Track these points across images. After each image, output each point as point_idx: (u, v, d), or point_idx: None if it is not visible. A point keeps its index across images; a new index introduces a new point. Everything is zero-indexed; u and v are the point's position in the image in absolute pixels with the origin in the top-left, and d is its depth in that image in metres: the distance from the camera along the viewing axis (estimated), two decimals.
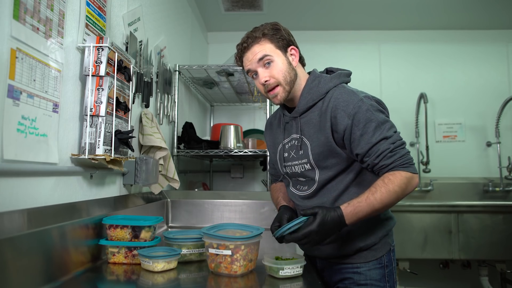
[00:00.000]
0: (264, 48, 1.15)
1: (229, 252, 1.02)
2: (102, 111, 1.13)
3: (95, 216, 1.18)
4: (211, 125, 3.34)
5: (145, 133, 1.63)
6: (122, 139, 1.23)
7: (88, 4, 1.19)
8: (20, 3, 0.86)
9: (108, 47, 1.14)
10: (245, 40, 1.17)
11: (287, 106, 1.26)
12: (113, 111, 1.19)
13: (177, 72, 2.25)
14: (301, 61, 1.25)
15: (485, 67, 3.32)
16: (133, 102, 1.51)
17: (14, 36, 0.84)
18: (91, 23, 1.21)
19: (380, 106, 1.13)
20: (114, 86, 1.19)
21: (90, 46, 1.14)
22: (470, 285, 2.92)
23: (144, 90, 1.70)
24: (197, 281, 1.05)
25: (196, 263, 1.21)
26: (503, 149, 3.15)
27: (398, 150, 1.07)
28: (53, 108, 1.00)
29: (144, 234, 1.17)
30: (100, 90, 1.14)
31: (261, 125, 3.30)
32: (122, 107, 1.26)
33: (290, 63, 1.17)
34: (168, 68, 2.12)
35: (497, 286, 2.74)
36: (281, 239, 1.10)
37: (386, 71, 3.39)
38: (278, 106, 1.32)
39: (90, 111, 1.12)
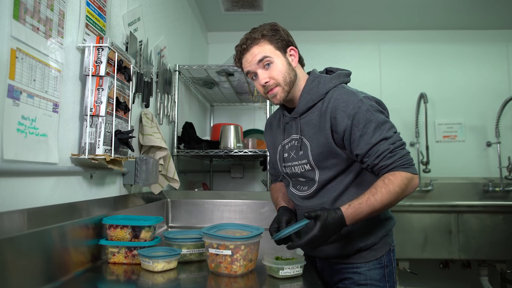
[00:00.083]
0: (264, 49, 1.14)
1: (229, 252, 1.02)
2: (102, 111, 1.13)
3: (95, 216, 1.18)
4: (211, 125, 3.34)
5: (145, 133, 1.63)
6: (122, 139, 1.23)
7: (88, 4, 1.19)
8: (20, 3, 0.86)
9: (108, 47, 1.14)
10: (244, 42, 1.17)
11: (287, 106, 1.26)
12: (113, 111, 1.19)
13: (177, 72, 2.25)
14: (300, 61, 1.24)
15: (485, 67, 3.32)
16: (133, 102, 1.51)
17: (14, 36, 0.84)
18: (91, 23, 1.21)
19: (380, 107, 1.13)
20: (114, 86, 1.19)
21: (90, 46, 1.14)
22: (470, 285, 2.92)
23: (144, 90, 1.70)
24: (197, 281, 1.05)
25: (196, 263, 1.21)
26: (503, 149, 3.15)
27: (398, 150, 1.07)
28: (53, 108, 1.00)
29: (144, 234, 1.17)
30: (100, 90, 1.14)
31: (261, 125, 3.30)
32: (122, 107, 1.26)
33: (289, 64, 1.17)
34: (168, 68, 2.12)
35: (497, 286, 2.74)
36: (279, 242, 1.11)
37: (386, 71, 3.40)
38: (278, 106, 1.32)
39: (90, 111, 1.12)
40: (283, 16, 3.09)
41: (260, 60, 1.14)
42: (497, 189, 3.08)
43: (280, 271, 1.03)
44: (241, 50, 1.18)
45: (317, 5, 2.96)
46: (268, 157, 1.52)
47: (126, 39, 1.53)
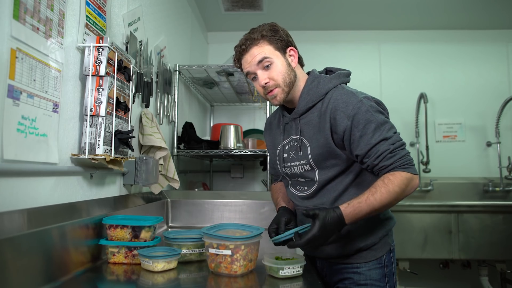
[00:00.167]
0: (263, 50, 1.14)
1: (229, 252, 1.02)
2: (102, 111, 1.13)
3: (95, 216, 1.18)
4: (211, 125, 3.34)
5: (145, 133, 1.64)
6: (122, 139, 1.23)
7: (88, 4, 1.19)
8: (20, 3, 0.86)
9: (108, 47, 1.14)
10: (244, 42, 1.16)
11: (287, 106, 1.26)
12: (113, 111, 1.19)
13: (177, 72, 2.25)
14: (300, 61, 1.24)
15: (485, 67, 3.32)
16: (133, 102, 1.51)
17: (14, 36, 0.84)
18: (91, 23, 1.21)
19: (379, 107, 1.13)
20: (114, 86, 1.19)
21: (90, 46, 1.14)
22: (470, 285, 2.92)
23: (144, 90, 1.70)
24: (197, 281, 1.05)
25: (196, 263, 1.21)
26: (503, 149, 3.15)
27: (398, 151, 1.07)
28: (53, 108, 1.00)
29: (144, 234, 1.17)
30: (100, 90, 1.14)
31: (261, 125, 3.30)
32: (122, 107, 1.26)
33: (289, 64, 1.17)
34: (168, 68, 2.12)
35: (497, 286, 2.74)
36: (278, 244, 1.10)
37: (386, 71, 3.40)
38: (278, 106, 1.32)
39: (90, 111, 1.12)
40: (283, 16, 3.09)
41: (260, 61, 1.14)
42: (497, 189, 3.08)
43: (280, 271, 1.03)
44: (241, 50, 1.17)
45: (317, 5, 2.96)
46: (268, 157, 1.52)
47: (126, 39, 1.53)
